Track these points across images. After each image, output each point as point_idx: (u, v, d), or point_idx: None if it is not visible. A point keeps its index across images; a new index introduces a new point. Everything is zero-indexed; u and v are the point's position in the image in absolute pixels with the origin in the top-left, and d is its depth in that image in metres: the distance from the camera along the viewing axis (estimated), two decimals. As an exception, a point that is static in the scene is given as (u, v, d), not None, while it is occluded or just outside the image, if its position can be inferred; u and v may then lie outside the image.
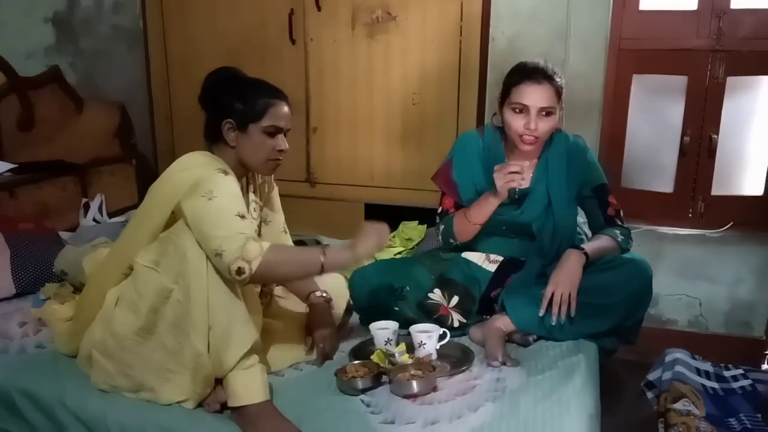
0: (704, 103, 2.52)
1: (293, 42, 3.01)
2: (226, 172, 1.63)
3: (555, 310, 1.85)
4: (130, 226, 1.72)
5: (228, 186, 1.60)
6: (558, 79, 1.93)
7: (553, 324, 1.86)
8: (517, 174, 1.85)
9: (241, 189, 1.79)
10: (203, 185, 1.57)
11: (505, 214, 2.03)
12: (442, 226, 2.09)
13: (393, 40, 2.89)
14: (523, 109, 1.91)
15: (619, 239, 1.97)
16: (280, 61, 3.05)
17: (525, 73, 1.93)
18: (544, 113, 1.91)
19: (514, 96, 1.93)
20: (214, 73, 1.76)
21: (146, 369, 1.61)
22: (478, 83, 2.80)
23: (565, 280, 1.85)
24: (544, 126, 1.92)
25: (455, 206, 2.09)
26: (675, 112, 2.58)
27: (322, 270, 1.61)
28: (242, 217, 1.57)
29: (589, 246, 1.93)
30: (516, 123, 1.93)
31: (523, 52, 2.65)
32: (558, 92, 1.93)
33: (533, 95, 1.90)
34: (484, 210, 1.97)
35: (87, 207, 2.92)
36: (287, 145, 1.73)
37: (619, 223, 2.01)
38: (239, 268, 1.49)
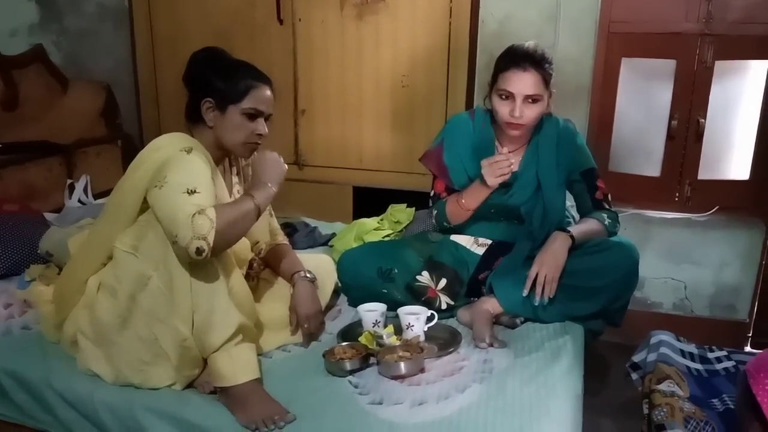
0: (692, 87, 2.53)
1: (281, 22, 2.98)
2: (189, 150, 1.57)
3: (538, 290, 1.86)
4: (106, 211, 1.68)
5: (186, 164, 1.54)
6: (546, 65, 1.92)
7: (536, 304, 1.88)
8: (506, 166, 1.86)
9: (223, 171, 1.78)
10: (161, 172, 1.53)
11: (494, 197, 2.03)
12: (435, 211, 2.10)
13: (382, 22, 2.87)
14: (509, 96, 1.91)
15: (606, 222, 1.98)
16: (268, 42, 3.02)
17: (512, 59, 1.92)
18: (530, 100, 1.90)
19: (501, 82, 1.92)
20: (199, 53, 1.73)
21: (123, 360, 1.60)
22: (467, 66, 2.79)
23: (549, 261, 1.86)
24: (530, 113, 1.92)
25: (446, 189, 2.09)
26: (663, 95, 2.58)
27: (259, 212, 1.59)
28: (192, 192, 1.48)
29: (575, 229, 1.94)
30: (502, 109, 1.93)
31: (512, 34, 2.64)
32: (545, 79, 1.92)
33: (519, 82, 1.89)
34: (476, 197, 1.98)
35: (72, 188, 2.89)
36: (267, 130, 1.71)
37: (607, 206, 2.03)
38: (197, 248, 1.42)
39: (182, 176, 1.52)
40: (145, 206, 1.60)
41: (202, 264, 1.51)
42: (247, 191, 1.64)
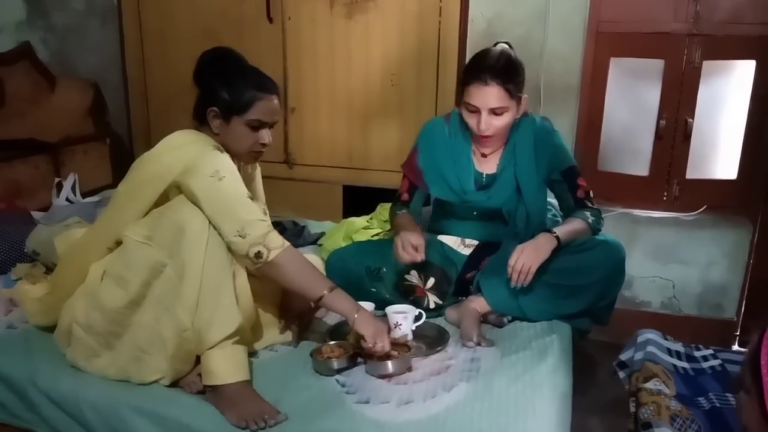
0: (680, 86, 2.53)
1: (270, 20, 2.97)
2: (221, 150, 1.63)
3: (514, 277, 1.83)
4: (115, 204, 1.70)
5: (229, 165, 1.61)
6: (511, 76, 1.89)
7: (512, 287, 1.86)
8: (406, 256, 1.87)
9: None
10: (206, 164, 1.57)
11: (474, 199, 2.04)
12: (391, 214, 2.16)
13: (372, 20, 2.86)
14: (475, 109, 1.91)
15: (590, 221, 1.97)
16: (257, 40, 3.00)
17: (474, 72, 1.91)
18: (495, 112, 1.90)
19: (465, 95, 1.92)
20: (206, 54, 1.72)
21: (124, 347, 1.60)
22: (457, 65, 2.79)
23: (530, 252, 1.84)
24: (498, 123, 1.92)
25: (408, 190, 2.14)
26: (651, 95, 2.59)
27: (319, 300, 1.63)
28: (252, 198, 1.62)
29: (560, 230, 1.92)
30: (470, 121, 1.94)
31: (502, 33, 2.64)
32: (509, 90, 1.89)
33: (481, 97, 1.88)
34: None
35: (60, 186, 2.87)
36: (271, 139, 1.71)
37: (590, 204, 2.02)
38: (259, 251, 1.55)
39: (239, 182, 1.60)
40: (160, 200, 1.62)
41: (216, 260, 1.54)
42: (334, 285, 1.66)
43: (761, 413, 0.97)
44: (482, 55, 1.94)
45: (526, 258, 1.84)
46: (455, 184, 2.05)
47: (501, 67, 1.89)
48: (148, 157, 1.65)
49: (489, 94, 1.88)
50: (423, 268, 2.02)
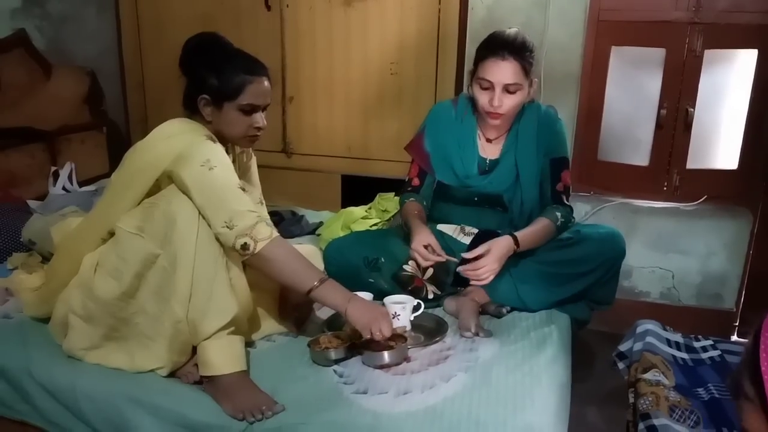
0: (681, 76, 2.51)
1: (268, 8, 2.94)
2: (213, 140, 1.61)
3: (471, 274, 1.82)
4: (108, 193, 1.69)
5: (221, 155, 1.59)
6: (527, 54, 1.90)
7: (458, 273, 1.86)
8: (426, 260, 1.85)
9: None
10: (197, 154, 1.55)
11: (475, 184, 2.03)
12: (400, 203, 2.11)
13: (371, 8, 2.84)
14: (489, 85, 1.90)
15: (559, 223, 1.95)
16: (255, 28, 2.98)
17: (491, 48, 1.90)
18: (509, 90, 1.89)
19: (480, 71, 1.92)
20: (191, 40, 1.69)
21: (129, 332, 1.60)
22: (456, 53, 2.76)
23: (495, 261, 1.81)
24: (510, 102, 1.90)
25: (418, 175, 2.10)
26: (652, 84, 2.57)
27: (309, 293, 1.58)
28: (243, 189, 1.59)
29: (523, 234, 1.89)
30: (482, 98, 1.92)
31: (502, 21, 2.62)
32: (525, 68, 1.89)
33: (497, 72, 1.87)
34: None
35: (56, 175, 2.85)
36: (265, 122, 1.69)
37: (564, 199, 1.99)
38: (245, 243, 1.52)
39: (230, 172, 1.58)
40: (152, 190, 1.60)
41: (208, 250, 1.52)
42: (325, 276, 1.62)
43: (767, 421, 0.95)
44: (498, 33, 1.94)
45: (491, 266, 1.81)
46: (459, 167, 2.05)
47: (519, 44, 1.89)
48: (140, 146, 1.64)
49: (506, 69, 1.87)
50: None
